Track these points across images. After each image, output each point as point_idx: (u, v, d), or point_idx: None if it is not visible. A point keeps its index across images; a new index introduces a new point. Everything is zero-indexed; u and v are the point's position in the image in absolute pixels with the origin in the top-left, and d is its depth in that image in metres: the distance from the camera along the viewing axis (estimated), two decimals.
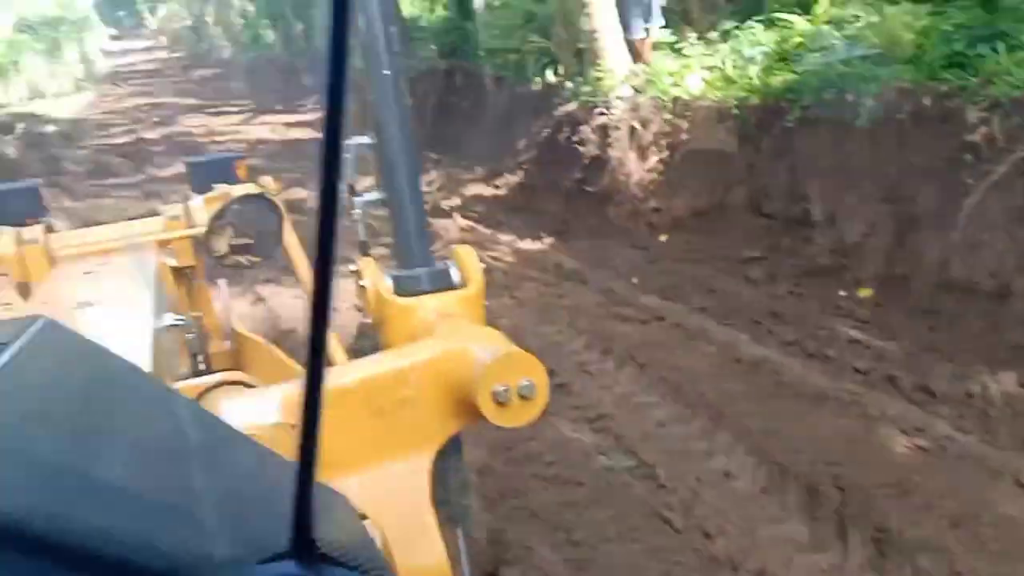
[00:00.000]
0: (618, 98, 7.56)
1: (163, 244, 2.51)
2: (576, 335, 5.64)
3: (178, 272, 2.58)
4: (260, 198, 2.53)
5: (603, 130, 7.53)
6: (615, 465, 4.15)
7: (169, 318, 1.80)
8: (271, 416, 1.25)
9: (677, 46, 7.85)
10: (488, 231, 8.18)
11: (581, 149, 7.68)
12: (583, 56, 8.29)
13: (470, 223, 8.40)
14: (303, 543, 0.51)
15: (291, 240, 2.75)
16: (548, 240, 7.66)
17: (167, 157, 13.08)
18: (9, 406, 0.53)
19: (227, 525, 0.52)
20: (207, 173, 2.83)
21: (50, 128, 16.78)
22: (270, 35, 23.63)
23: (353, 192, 1.97)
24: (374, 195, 1.86)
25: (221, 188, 2.65)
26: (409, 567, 1.20)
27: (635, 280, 6.44)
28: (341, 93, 0.45)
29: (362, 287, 1.72)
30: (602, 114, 7.59)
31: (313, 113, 16.94)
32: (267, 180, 2.91)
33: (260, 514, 0.56)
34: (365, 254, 1.85)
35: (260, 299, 6.65)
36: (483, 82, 10.70)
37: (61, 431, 0.53)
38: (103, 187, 11.72)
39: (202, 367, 2.50)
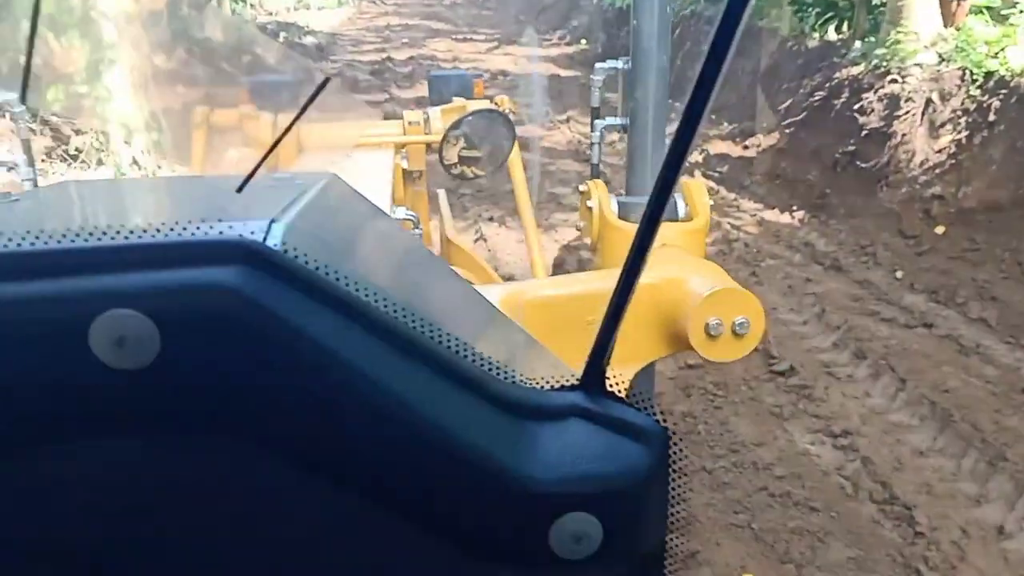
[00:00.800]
0: (916, 65, 6.64)
1: (400, 147, 2.68)
2: (824, 330, 4.99)
3: (407, 174, 2.76)
4: (496, 114, 2.63)
5: (891, 99, 6.65)
6: None
7: (401, 212, 1.88)
8: None
9: (1003, 12, 6.74)
10: (731, 195, 7.53)
11: (860, 119, 6.80)
12: (880, 14, 7.43)
13: (711, 184, 7.74)
14: (594, 378, 0.58)
15: (516, 161, 2.82)
16: (800, 214, 6.91)
17: (409, 80, 13.18)
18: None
19: (519, 363, 0.61)
20: (447, 86, 2.98)
21: (309, 40, 17.50)
22: None
23: (596, 115, 2.09)
24: (617, 120, 1.90)
25: (459, 101, 2.80)
26: None
27: (900, 275, 5.65)
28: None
29: (588, 208, 1.77)
30: (894, 81, 6.67)
31: (556, 48, 16.60)
32: (503, 99, 2.97)
33: (538, 359, 0.70)
34: (596, 176, 1.93)
35: (482, 238, 6.41)
36: (749, 32, 9.83)
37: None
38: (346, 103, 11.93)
39: None
